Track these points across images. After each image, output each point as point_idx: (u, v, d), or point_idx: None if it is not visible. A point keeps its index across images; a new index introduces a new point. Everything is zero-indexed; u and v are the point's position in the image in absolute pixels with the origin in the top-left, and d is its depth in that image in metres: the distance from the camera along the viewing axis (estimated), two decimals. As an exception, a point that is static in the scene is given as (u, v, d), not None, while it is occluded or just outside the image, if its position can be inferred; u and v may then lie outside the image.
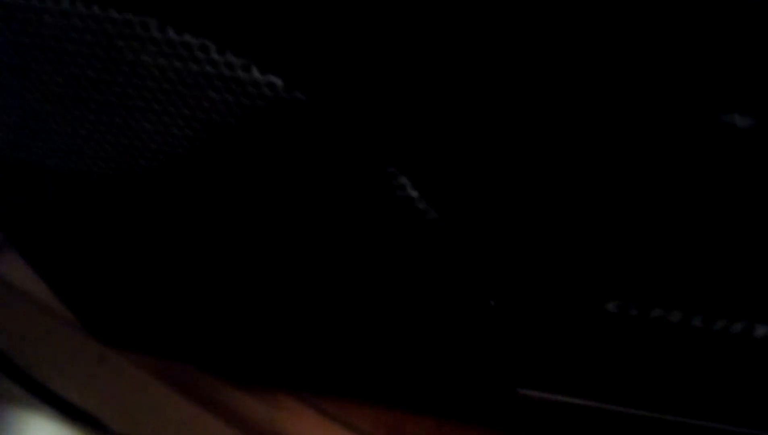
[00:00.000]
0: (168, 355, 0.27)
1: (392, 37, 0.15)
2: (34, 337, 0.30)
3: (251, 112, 0.17)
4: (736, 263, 0.18)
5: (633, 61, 0.15)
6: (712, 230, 0.17)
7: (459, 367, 0.23)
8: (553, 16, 0.14)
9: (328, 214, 0.19)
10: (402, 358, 0.23)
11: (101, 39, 0.17)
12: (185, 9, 0.16)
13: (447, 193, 0.18)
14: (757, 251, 0.17)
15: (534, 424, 0.25)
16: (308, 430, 0.27)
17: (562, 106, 0.16)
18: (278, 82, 0.16)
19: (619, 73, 0.15)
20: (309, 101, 0.17)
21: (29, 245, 0.24)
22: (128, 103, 0.18)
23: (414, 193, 0.18)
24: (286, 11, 0.16)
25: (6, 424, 0.28)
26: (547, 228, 0.18)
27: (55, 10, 0.17)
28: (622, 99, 0.15)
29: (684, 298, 0.18)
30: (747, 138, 0.15)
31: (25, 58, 0.18)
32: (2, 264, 0.32)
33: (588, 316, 0.19)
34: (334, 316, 0.23)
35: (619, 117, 0.16)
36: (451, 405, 0.25)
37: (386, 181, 0.18)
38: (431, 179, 0.17)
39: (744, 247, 0.17)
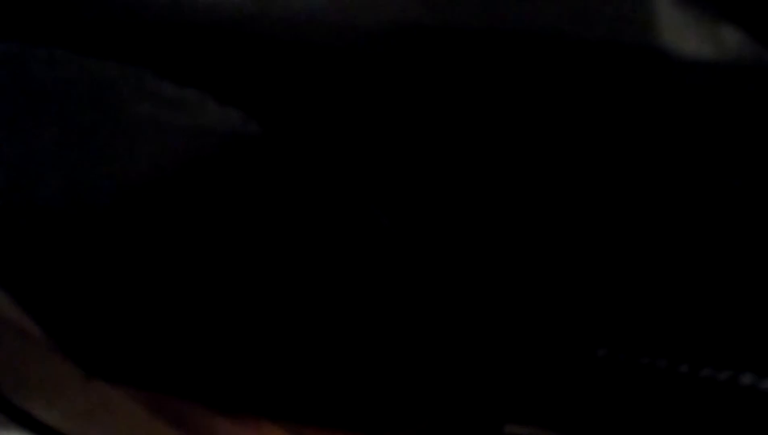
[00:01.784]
0: (154, 387, 0.27)
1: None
2: (16, 362, 0.30)
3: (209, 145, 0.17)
4: (723, 314, 0.18)
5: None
6: (697, 284, 0.18)
7: (447, 403, 0.23)
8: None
9: (296, 246, 0.19)
10: (386, 389, 0.24)
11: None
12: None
13: (425, 233, 0.18)
14: (743, 304, 0.18)
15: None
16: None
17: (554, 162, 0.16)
18: (236, 114, 0.17)
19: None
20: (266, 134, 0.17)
21: (10, 279, 0.24)
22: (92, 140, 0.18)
23: (386, 224, 0.18)
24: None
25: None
26: (540, 279, 0.18)
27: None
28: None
29: (671, 346, 0.19)
30: (738, 197, 0.16)
31: (17, 106, 0.18)
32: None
33: (579, 361, 0.20)
34: (311, 343, 0.23)
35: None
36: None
37: (351, 214, 0.18)
38: (405, 218, 0.18)
39: (731, 300, 0.18)
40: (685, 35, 0.15)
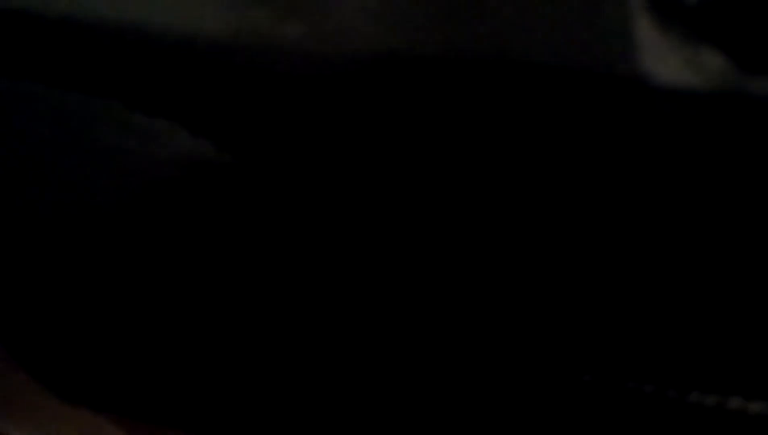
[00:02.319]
0: (135, 415, 0.27)
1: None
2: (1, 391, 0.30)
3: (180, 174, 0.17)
4: (710, 337, 0.18)
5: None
6: (682, 307, 0.17)
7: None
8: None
9: (272, 281, 0.19)
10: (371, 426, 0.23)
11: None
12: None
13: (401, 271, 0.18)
14: (730, 327, 0.18)
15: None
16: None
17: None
18: (208, 144, 0.17)
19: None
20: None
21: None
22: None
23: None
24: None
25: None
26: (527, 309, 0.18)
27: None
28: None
29: (658, 370, 0.19)
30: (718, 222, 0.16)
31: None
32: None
33: (566, 387, 0.19)
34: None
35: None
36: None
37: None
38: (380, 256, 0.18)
39: (717, 323, 0.18)
40: (665, 60, 0.15)
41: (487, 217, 0.17)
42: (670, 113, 0.15)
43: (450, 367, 0.20)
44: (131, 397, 0.26)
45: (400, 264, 0.18)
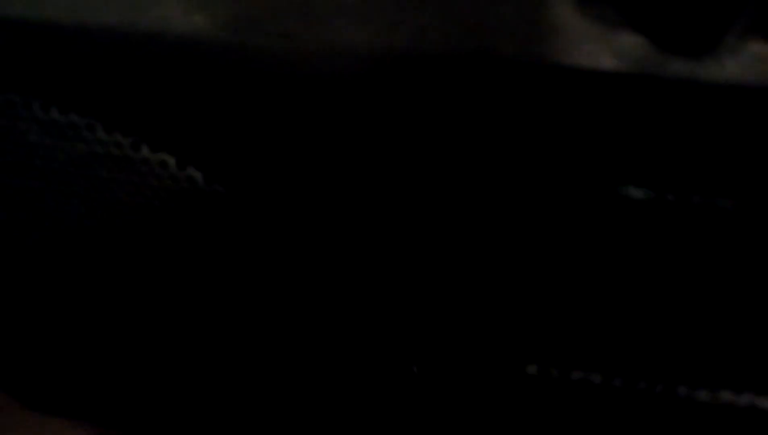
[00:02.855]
0: (98, 420, 0.27)
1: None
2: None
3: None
4: (652, 325, 0.18)
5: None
6: (622, 296, 0.17)
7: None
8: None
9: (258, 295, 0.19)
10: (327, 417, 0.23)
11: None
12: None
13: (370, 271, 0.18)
14: (669, 314, 0.18)
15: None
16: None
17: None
18: (171, 160, 0.17)
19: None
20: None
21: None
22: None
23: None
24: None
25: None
26: (468, 297, 0.18)
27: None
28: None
29: (606, 360, 0.19)
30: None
31: None
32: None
33: (509, 379, 0.19)
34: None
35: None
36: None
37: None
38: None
39: (656, 311, 0.18)
40: (584, 44, 0.15)
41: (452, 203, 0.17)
42: (589, 95, 0.15)
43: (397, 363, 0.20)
44: (106, 403, 0.26)
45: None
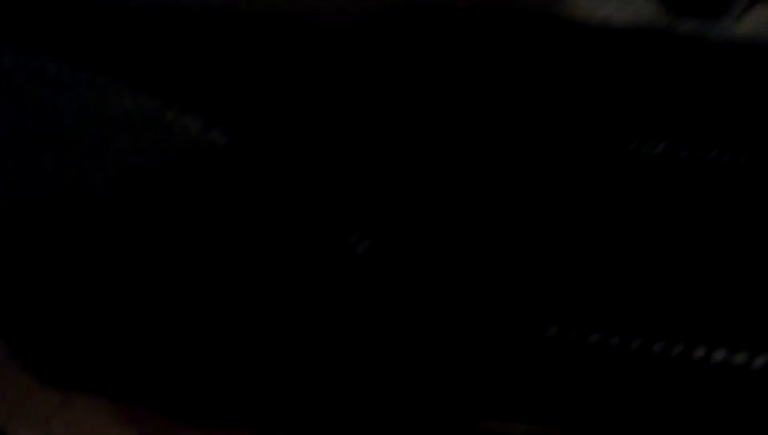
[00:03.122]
0: (130, 399, 0.27)
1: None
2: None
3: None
4: (675, 283, 0.18)
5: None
6: (637, 255, 0.18)
7: (414, 405, 0.23)
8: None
9: (261, 267, 0.20)
10: (353, 396, 0.24)
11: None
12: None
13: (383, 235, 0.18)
14: (687, 274, 0.18)
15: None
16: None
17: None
18: (195, 122, 0.17)
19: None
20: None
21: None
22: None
23: (354, 242, 0.18)
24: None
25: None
26: (487, 258, 0.18)
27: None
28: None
29: (624, 322, 0.19)
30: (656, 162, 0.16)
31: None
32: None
33: (530, 342, 0.20)
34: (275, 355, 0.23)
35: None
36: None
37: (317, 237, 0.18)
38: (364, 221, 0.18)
39: (674, 271, 0.18)
40: (601, 4, 0.16)
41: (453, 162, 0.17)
42: (605, 50, 0.16)
43: (427, 337, 0.20)
44: (129, 381, 0.26)
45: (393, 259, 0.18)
